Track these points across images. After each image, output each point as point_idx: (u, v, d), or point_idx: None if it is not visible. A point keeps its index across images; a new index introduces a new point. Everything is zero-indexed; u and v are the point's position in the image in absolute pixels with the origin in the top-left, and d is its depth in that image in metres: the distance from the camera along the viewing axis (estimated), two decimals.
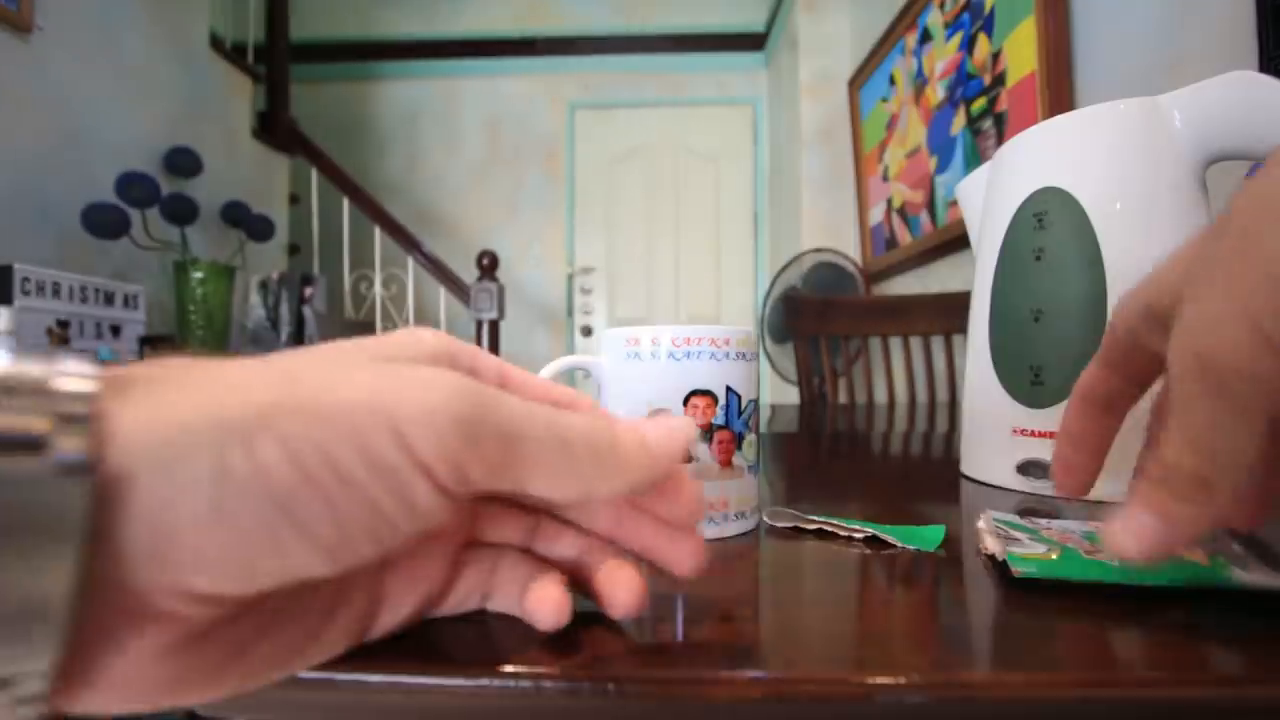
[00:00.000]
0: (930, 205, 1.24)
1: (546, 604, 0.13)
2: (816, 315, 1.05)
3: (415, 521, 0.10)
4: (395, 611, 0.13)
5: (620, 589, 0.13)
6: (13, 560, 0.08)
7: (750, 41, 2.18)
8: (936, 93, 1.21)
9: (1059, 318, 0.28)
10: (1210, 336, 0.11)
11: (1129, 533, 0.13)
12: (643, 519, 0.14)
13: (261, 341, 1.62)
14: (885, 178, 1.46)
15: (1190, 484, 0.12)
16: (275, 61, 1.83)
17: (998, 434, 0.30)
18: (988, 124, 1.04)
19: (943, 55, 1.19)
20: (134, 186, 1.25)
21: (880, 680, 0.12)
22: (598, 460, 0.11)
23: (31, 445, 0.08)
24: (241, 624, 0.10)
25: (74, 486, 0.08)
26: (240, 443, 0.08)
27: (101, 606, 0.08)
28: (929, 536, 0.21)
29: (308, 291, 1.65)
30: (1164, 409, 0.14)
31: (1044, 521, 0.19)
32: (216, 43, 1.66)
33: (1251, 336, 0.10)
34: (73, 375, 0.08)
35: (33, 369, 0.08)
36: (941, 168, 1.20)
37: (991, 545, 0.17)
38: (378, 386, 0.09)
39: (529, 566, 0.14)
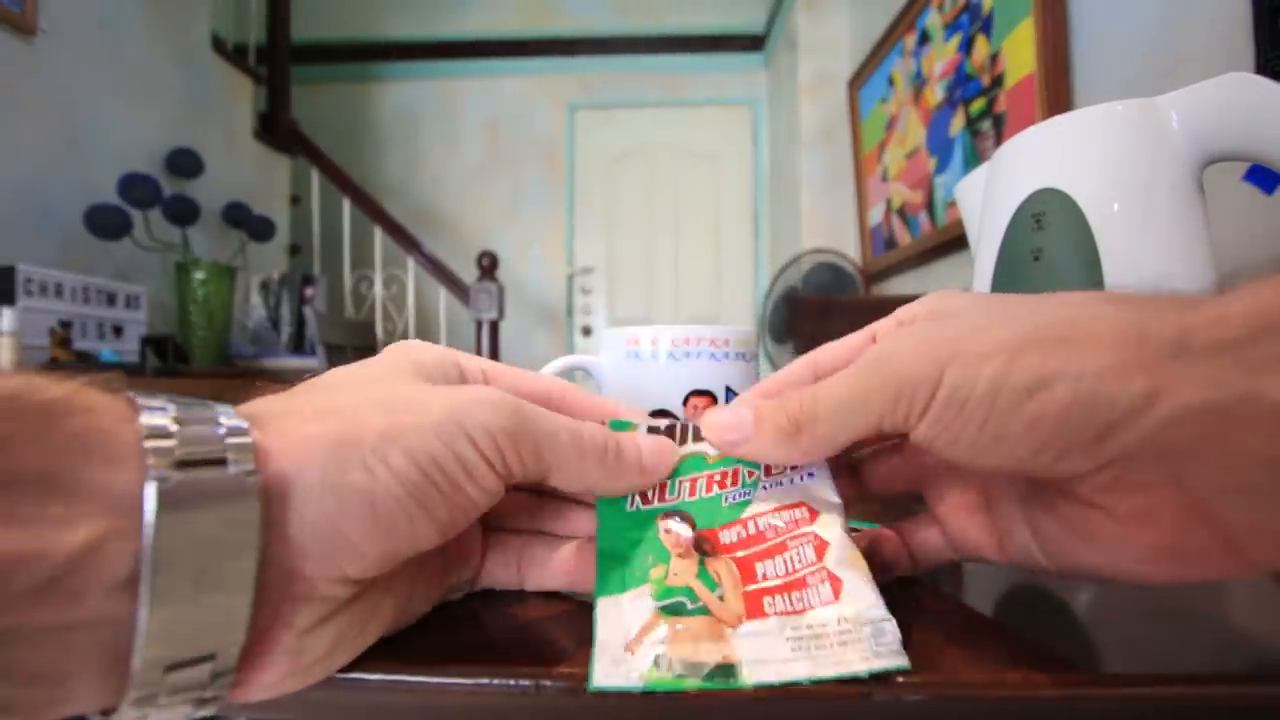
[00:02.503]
0: (929, 206, 1.24)
1: (567, 560, 0.16)
2: (817, 315, 1.05)
3: (487, 499, 0.13)
4: (457, 577, 0.16)
5: None
6: (212, 553, 0.10)
7: (750, 42, 2.18)
8: (935, 93, 1.21)
9: None
10: (913, 351, 0.13)
11: (722, 415, 0.15)
12: None
13: (262, 341, 1.62)
14: (885, 178, 1.46)
15: (794, 418, 0.14)
16: (276, 62, 1.83)
17: None
18: (986, 125, 1.04)
19: (942, 56, 1.19)
20: (136, 187, 1.25)
21: (880, 680, 0.12)
22: (604, 466, 0.15)
23: (217, 462, 0.10)
24: (370, 594, 0.13)
25: (248, 496, 0.10)
26: (377, 458, 0.12)
27: (278, 593, 0.11)
28: None
29: (308, 292, 1.66)
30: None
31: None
32: (218, 44, 1.66)
33: (932, 372, 0.12)
34: (229, 415, 0.11)
35: (201, 412, 0.11)
36: (940, 168, 1.20)
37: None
38: (450, 405, 0.13)
39: (546, 543, 0.17)
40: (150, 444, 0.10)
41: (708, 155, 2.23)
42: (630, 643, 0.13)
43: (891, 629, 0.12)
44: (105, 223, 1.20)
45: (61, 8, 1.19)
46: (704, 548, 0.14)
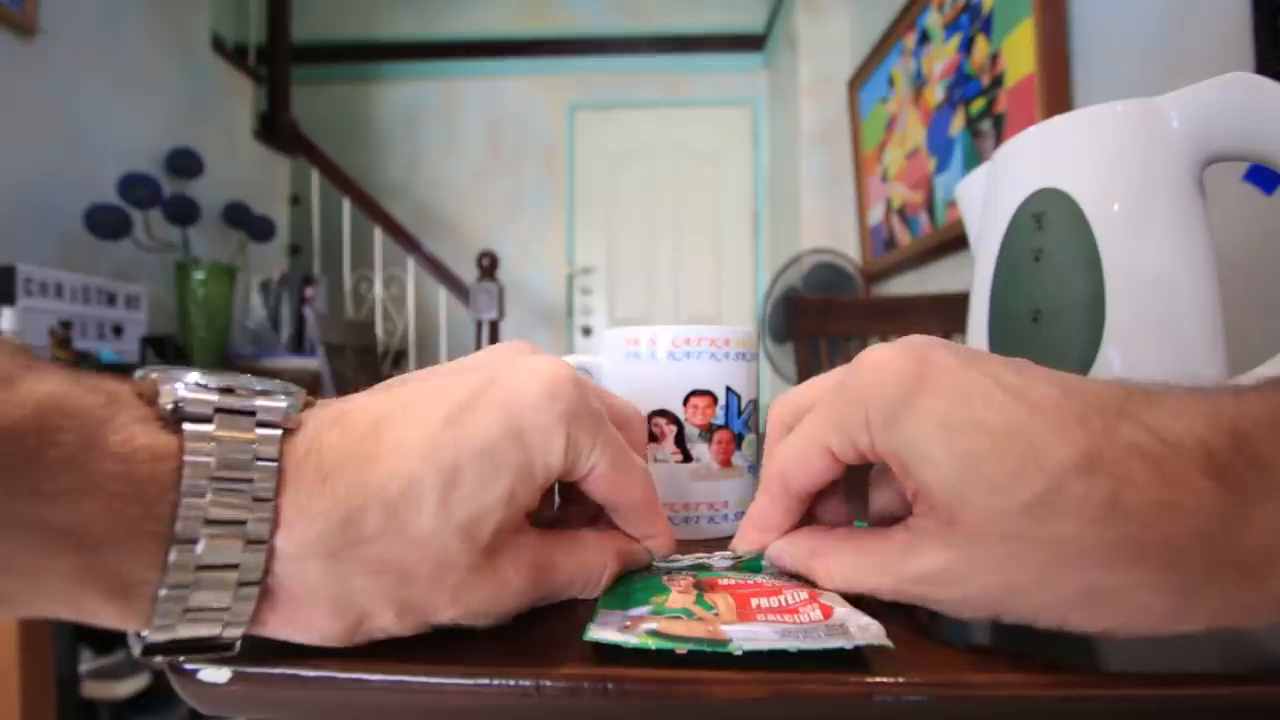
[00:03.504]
0: (929, 206, 1.24)
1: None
2: (817, 316, 1.05)
3: (550, 480, 0.14)
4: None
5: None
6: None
7: (750, 42, 2.18)
8: (935, 94, 1.21)
9: (1057, 318, 0.28)
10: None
11: (743, 533, 0.17)
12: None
13: (262, 342, 1.62)
14: (884, 178, 1.46)
15: (759, 518, 0.17)
16: (276, 63, 1.83)
17: None
18: (986, 125, 1.04)
19: (941, 56, 1.19)
20: (136, 187, 1.25)
21: (880, 680, 0.12)
22: (639, 500, 0.16)
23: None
24: None
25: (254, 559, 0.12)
26: (405, 524, 0.13)
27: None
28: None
29: (309, 292, 1.66)
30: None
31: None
32: (218, 44, 1.66)
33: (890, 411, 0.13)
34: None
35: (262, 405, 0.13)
36: (941, 168, 1.20)
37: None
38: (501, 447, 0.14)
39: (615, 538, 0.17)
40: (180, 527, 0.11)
41: (708, 155, 2.23)
42: (628, 626, 0.13)
43: (877, 627, 0.13)
44: (105, 223, 1.19)
45: (61, 8, 1.19)
46: (702, 586, 0.15)
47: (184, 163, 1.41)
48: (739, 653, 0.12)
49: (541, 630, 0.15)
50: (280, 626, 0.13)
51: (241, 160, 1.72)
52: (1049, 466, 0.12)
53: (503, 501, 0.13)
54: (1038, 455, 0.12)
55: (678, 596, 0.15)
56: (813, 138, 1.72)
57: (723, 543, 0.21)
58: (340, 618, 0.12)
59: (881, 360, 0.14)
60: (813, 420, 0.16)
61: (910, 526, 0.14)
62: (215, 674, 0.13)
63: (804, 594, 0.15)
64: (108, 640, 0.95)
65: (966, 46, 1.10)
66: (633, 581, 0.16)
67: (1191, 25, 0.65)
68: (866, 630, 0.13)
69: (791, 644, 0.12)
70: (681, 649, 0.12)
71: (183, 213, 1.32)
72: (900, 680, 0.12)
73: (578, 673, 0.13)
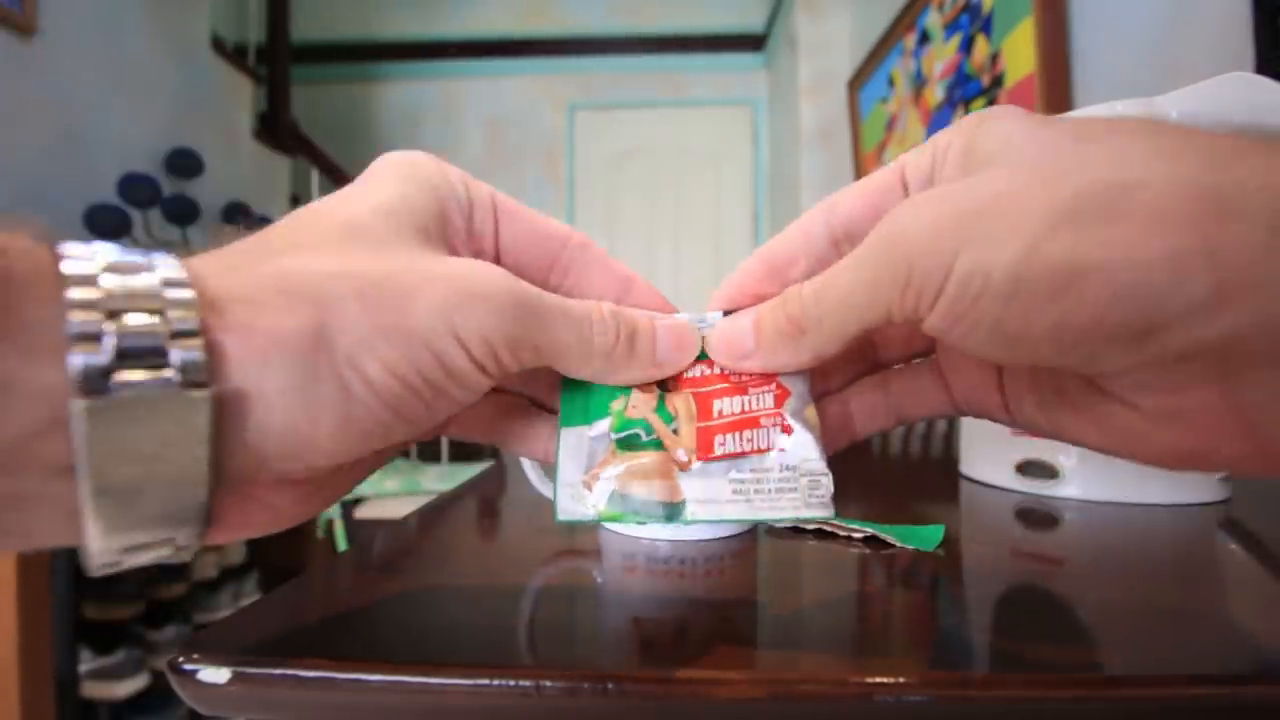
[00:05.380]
0: None
1: (545, 438, 0.15)
2: None
3: (475, 396, 0.12)
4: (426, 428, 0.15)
5: None
6: (155, 467, 0.09)
7: (750, 42, 2.18)
8: (935, 94, 1.21)
9: None
10: (927, 231, 0.10)
11: (724, 334, 0.14)
12: None
13: None
14: None
15: (796, 321, 0.13)
16: (276, 62, 1.83)
17: (997, 434, 0.30)
18: None
19: (942, 56, 1.19)
20: (135, 187, 1.25)
21: (880, 680, 0.12)
22: (610, 361, 0.13)
23: (159, 354, 0.09)
24: (346, 468, 0.13)
25: (196, 410, 0.09)
26: (351, 368, 0.11)
27: (246, 484, 0.11)
28: (928, 536, 0.21)
29: None
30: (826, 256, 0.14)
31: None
32: (218, 44, 1.66)
33: (944, 258, 0.10)
34: (178, 295, 0.09)
35: (142, 282, 0.09)
36: None
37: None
38: (438, 304, 0.11)
39: (525, 414, 0.16)
40: (76, 357, 0.08)
41: (708, 155, 2.23)
42: (588, 479, 0.13)
43: (827, 483, 0.13)
44: (105, 222, 1.19)
45: (61, 7, 1.19)
46: (665, 384, 0.15)
47: (184, 162, 1.41)
48: (689, 522, 0.13)
49: (541, 630, 0.15)
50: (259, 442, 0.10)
51: (241, 160, 1.72)
52: (1122, 121, 0.10)
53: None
54: (1113, 119, 0.10)
55: (638, 398, 0.14)
56: (813, 138, 1.71)
57: (719, 543, 0.21)
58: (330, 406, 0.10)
59: (1007, 115, 0.12)
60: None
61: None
62: (215, 674, 0.13)
63: (770, 397, 0.14)
64: (108, 640, 0.95)
65: (966, 46, 1.10)
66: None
67: (1191, 25, 0.65)
68: (816, 488, 0.13)
69: (739, 514, 0.13)
70: (639, 522, 0.13)
71: (182, 213, 1.32)
72: (900, 680, 0.12)
73: (578, 673, 0.13)
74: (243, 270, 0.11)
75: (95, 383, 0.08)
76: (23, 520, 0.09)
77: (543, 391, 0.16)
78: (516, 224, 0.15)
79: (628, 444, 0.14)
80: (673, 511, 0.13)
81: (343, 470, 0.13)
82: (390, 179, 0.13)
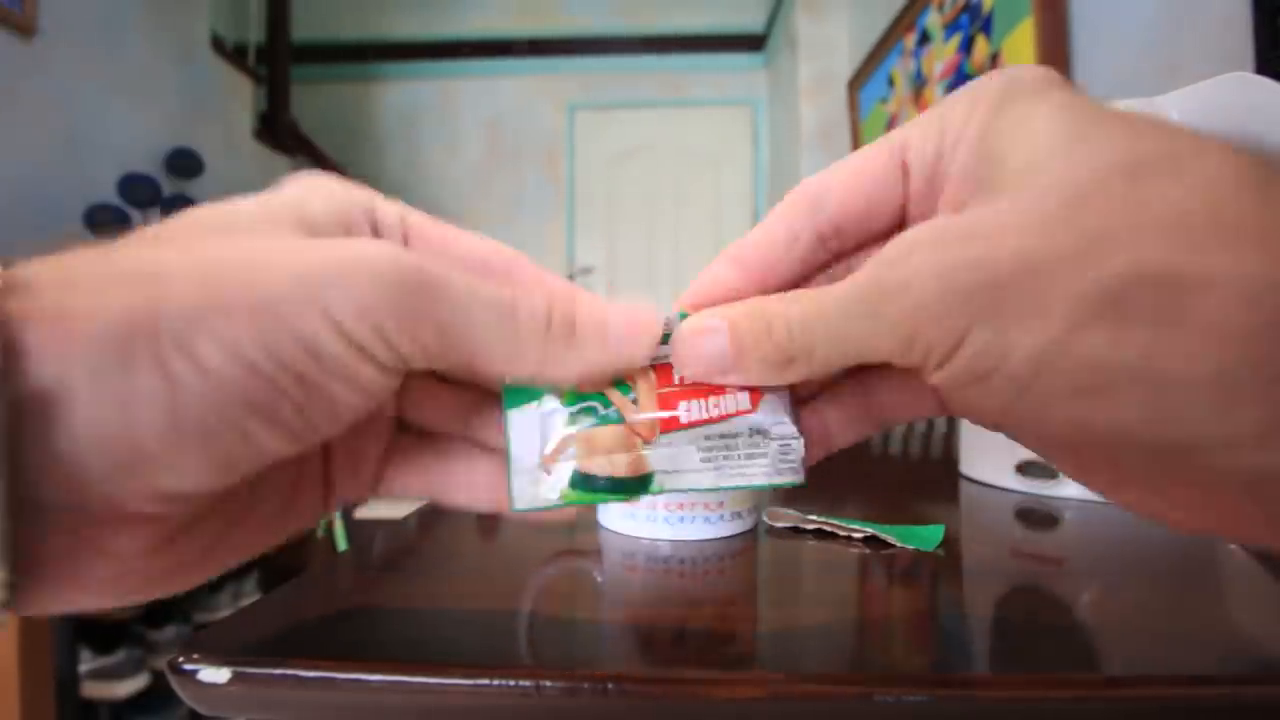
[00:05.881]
0: None
1: (493, 476, 0.12)
2: None
3: (368, 399, 0.10)
4: (348, 489, 0.13)
5: None
6: None
7: (750, 42, 2.18)
8: (935, 94, 1.21)
9: None
10: (937, 296, 0.09)
11: (695, 348, 0.11)
12: None
13: None
14: None
15: (783, 350, 0.10)
16: (276, 63, 1.83)
17: (996, 434, 0.30)
18: None
19: (941, 56, 1.19)
20: (136, 187, 1.25)
21: (880, 680, 0.12)
22: (547, 342, 0.11)
23: None
24: (218, 516, 0.10)
25: None
26: (179, 351, 0.08)
27: (71, 517, 0.08)
28: (928, 536, 0.21)
29: None
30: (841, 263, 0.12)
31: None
32: (218, 44, 1.66)
33: (954, 325, 0.08)
34: None
35: None
36: None
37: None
38: (301, 272, 0.09)
39: (468, 453, 0.13)
40: None
41: (708, 155, 2.23)
42: (545, 460, 0.12)
43: (797, 447, 0.12)
44: (105, 223, 1.19)
45: (61, 8, 1.19)
46: None
47: (184, 163, 1.41)
48: (657, 492, 0.12)
49: (541, 630, 0.15)
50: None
51: (241, 160, 1.72)
52: (1184, 138, 0.08)
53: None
54: (1174, 130, 0.08)
55: None
56: (813, 138, 1.71)
57: (719, 543, 0.21)
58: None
59: (1015, 66, 0.10)
60: (883, 136, 0.11)
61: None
62: (215, 674, 0.13)
63: None
64: (108, 640, 0.95)
65: (966, 46, 1.10)
66: None
67: (1191, 25, 0.65)
68: (787, 453, 0.12)
69: (709, 483, 0.12)
70: (604, 500, 0.12)
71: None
72: (900, 680, 0.12)
73: (578, 673, 0.13)
74: (78, 261, 0.09)
75: None
76: None
77: (488, 432, 0.13)
78: (429, 243, 0.12)
79: (583, 418, 0.12)
80: (639, 485, 0.12)
81: (219, 511, 0.10)
82: (289, 188, 0.11)
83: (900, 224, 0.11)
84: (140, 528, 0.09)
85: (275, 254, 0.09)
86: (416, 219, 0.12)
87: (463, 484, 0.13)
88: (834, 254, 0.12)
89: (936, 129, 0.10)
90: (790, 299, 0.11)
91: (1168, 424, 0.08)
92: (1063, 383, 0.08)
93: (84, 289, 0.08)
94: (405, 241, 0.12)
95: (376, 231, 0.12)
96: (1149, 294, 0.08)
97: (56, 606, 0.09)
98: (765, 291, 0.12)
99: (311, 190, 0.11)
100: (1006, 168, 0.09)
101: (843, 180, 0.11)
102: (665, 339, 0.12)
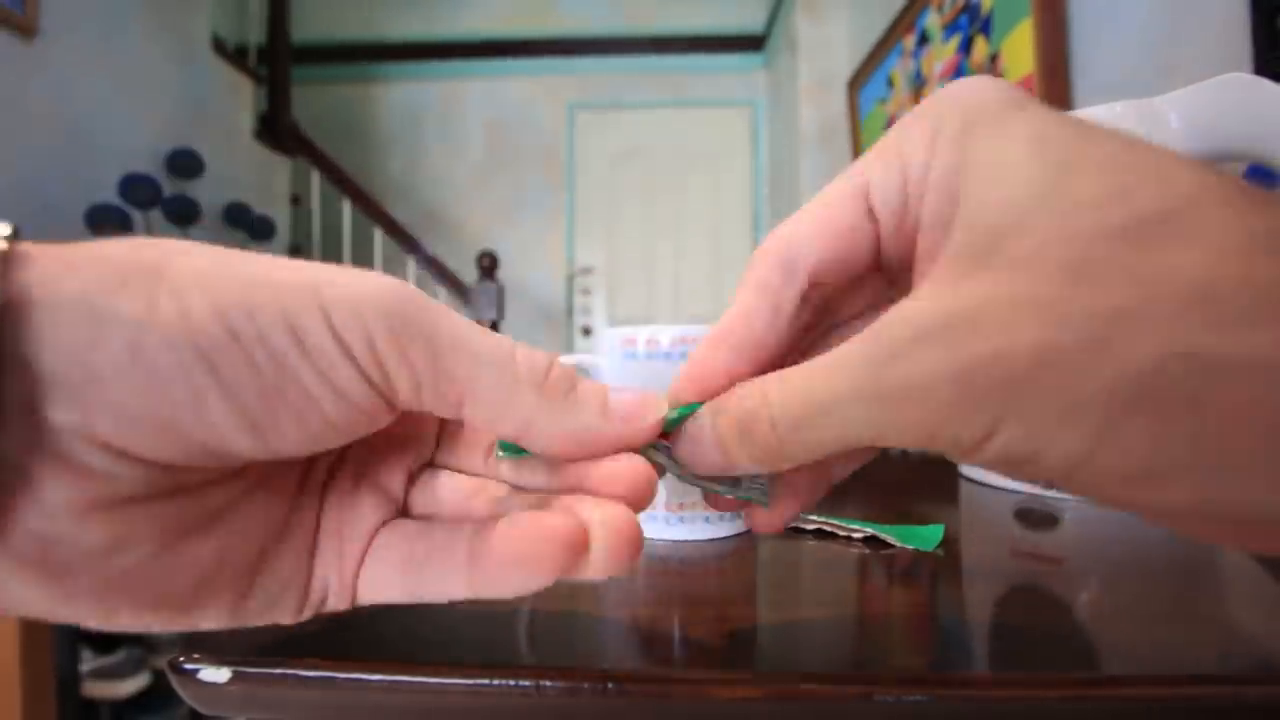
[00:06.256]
0: None
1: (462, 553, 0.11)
2: None
3: (340, 410, 0.09)
4: (327, 568, 0.11)
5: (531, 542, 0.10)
6: None
7: (750, 43, 2.18)
8: None
9: None
10: (934, 382, 0.08)
11: (686, 437, 0.11)
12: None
13: None
14: None
15: (769, 451, 0.10)
16: (277, 63, 1.83)
17: None
18: None
19: (941, 57, 1.19)
20: (136, 188, 1.25)
21: (880, 680, 0.12)
22: (544, 391, 0.10)
23: None
24: (165, 521, 0.09)
25: None
26: (170, 291, 0.08)
27: (16, 435, 0.08)
28: (928, 536, 0.21)
29: None
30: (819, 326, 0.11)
31: None
32: (218, 45, 1.66)
33: (978, 427, 0.08)
34: None
35: None
36: None
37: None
38: (315, 275, 0.09)
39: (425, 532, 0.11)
40: None
41: (708, 155, 2.23)
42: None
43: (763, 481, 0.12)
44: (106, 223, 1.20)
45: (62, 8, 1.19)
46: None
47: (184, 163, 1.41)
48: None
49: (542, 630, 0.15)
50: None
51: (242, 160, 1.72)
52: (1178, 186, 0.07)
53: None
54: (1162, 174, 0.08)
55: None
56: (812, 138, 1.72)
57: (719, 544, 0.21)
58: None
59: (968, 81, 0.09)
60: (842, 174, 0.10)
61: (908, 298, 0.09)
62: (215, 674, 0.13)
63: None
64: (109, 640, 0.95)
65: (966, 47, 1.10)
66: None
67: (1190, 26, 0.65)
68: (756, 479, 0.12)
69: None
70: None
71: (183, 213, 1.32)
72: (900, 680, 0.12)
73: (578, 673, 0.13)
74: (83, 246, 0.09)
75: None
76: None
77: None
78: None
79: None
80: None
81: (166, 516, 0.09)
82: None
83: (876, 260, 0.11)
84: (74, 479, 0.08)
85: (288, 264, 0.09)
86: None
87: (431, 562, 0.11)
88: (818, 305, 0.12)
89: (897, 168, 0.10)
90: (776, 387, 0.10)
91: (1226, 504, 0.08)
92: (1107, 475, 0.08)
93: (95, 247, 0.09)
94: None
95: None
96: (1181, 380, 0.07)
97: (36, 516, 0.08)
98: (759, 367, 0.11)
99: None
100: (988, 225, 0.08)
101: (811, 236, 0.11)
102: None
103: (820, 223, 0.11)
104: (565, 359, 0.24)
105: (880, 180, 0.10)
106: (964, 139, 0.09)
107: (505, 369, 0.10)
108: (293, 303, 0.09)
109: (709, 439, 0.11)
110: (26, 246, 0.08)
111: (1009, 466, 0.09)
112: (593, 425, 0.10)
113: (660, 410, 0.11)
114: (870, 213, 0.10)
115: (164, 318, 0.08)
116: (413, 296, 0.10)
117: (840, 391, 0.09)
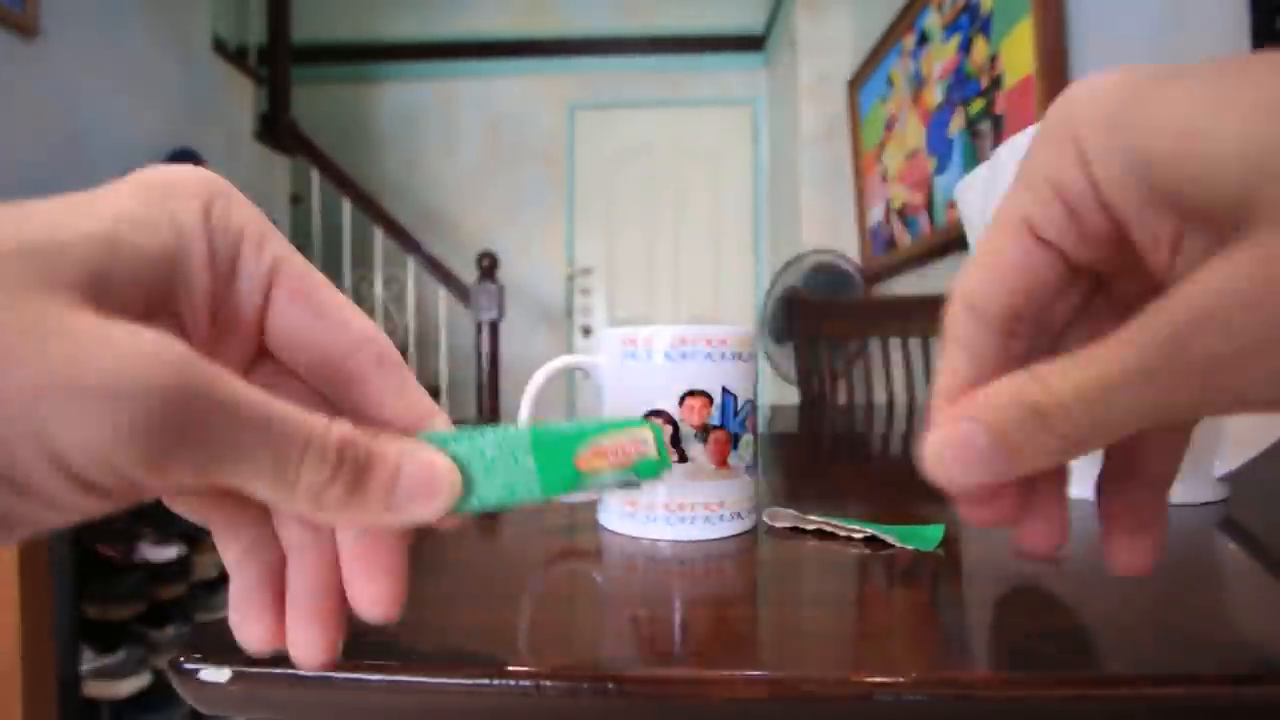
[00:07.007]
0: (929, 206, 1.24)
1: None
2: (817, 316, 1.05)
3: (64, 521, 0.08)
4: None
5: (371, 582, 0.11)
6: None
7: (750, 42, 2.18)
8: (935, 94, 1.21)
9: None
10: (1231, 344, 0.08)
11: (950, 447, 0.10)
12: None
13: None
14: (884, 178, 1.46)
15: (1067, 435, 0.09)
16: (277, 63, 1.83)
17: None
18: (985, 125, 1.04)
19: (941, 57, 1.19)
20: None
21: (880, 680, 0.12)
22: (321, 502, 0.10)
23: None
24: None
25: None
26: None
27: None
28: (928, 536, 0.21)
29: None
30: (1091, 322, 0.11)
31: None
32: (219, 45, 1.66)
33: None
34: None
35: None
36: (940, 169, 1.20)
37: None
38: (34, 398, 0.07)
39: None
40: None
41: (708, 155, 2.23)
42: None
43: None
44: None
45: (62, 8, 1.19)
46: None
47: (184, 163, 1.41)
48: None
49: (542, 630, 0.15)
50: None
51: (242, 160, 1.72)
52: None
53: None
54: None
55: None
56: (812, 138, 1.72)
57: (719, 544, 0.21)
58: None
59: (1088, 81, 0.09)
60: (999, 205, 0.10)
61: (1171, 284, 0.08)
62: (216, 673, 0.13)
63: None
64: (109, 639, 0.95)
65: (965, 47, 1.10)
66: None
67: (1189, 25, 0.65)
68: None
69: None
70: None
71: None
72: (900, 680, 0.12)
73: (578, 673, 0.13)
74: None
75: None
76: None
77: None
78: (295, 307, 0.11)
79: None
80: None
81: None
82: (127, 197, 0.09)
83: (1067, 275, 0.10)
84: None
85: (16, 347, 0.07)
86: (293, 273, 0.11)
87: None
88: (1028, 336, 0.11)
89: (1048, 189, 0.10)
90: (1046, 377, 0.09)
91: None
92: None
93: None
94: (267, 296, 0.11)
95: (232, 278, 0.10)
96: None
97: None
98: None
99: (150, 210, 0.09)
100: (1205, 205, 0.08)
101: (988, 283, 0.11)
102: (641, 468, 0.12)
103: (992, 269, 0.11)
104: (565, 360, 0.24)
105: (1038, 208, 0.10)
106: (1121, 130, 0.09)
107: (283, 477, 0.09)
108: (10, 446, 0.07)
109: (984, 443, 0.10)
110: None
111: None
112: (373, 522, 0.10)
113: (451, 487, 0.11)
114: (1040, 241, 0.10)
115: None
116: (187, 402, 0.08)
117: (1130, 367, 0.09)
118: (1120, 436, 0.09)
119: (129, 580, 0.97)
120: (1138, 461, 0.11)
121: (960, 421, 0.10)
